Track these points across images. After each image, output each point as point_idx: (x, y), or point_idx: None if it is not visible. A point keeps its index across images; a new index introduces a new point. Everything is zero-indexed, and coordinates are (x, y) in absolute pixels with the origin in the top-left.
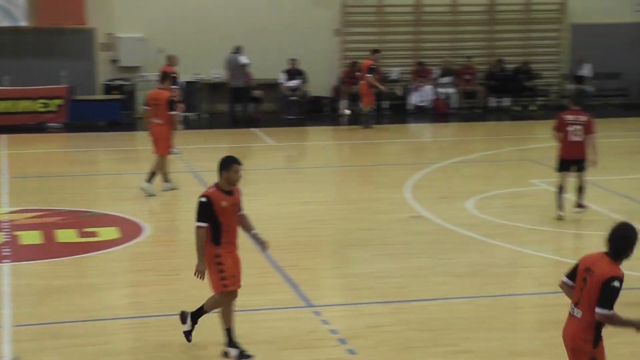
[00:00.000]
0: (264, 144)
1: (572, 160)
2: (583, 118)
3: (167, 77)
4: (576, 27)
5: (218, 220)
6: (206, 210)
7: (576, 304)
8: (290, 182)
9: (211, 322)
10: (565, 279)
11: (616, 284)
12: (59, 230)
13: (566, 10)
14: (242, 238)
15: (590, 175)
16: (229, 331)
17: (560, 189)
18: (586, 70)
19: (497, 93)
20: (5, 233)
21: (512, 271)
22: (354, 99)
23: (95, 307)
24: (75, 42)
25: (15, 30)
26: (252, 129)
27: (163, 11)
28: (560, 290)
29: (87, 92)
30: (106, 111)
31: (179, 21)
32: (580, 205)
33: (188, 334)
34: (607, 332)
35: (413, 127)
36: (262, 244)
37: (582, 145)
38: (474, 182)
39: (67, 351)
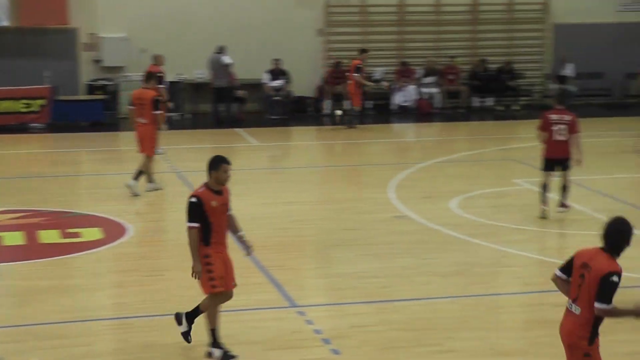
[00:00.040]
0: (247, 144)
1: (556, 160)
2: (567, 117)
3: (152, 76)
4: (559, 27)
5: (208, 221)
6: (197, 210)
7: (574, 300)
8: (274, 182)
9: (201, 321)
10: (559, 273)
11: (615, 278)
12: (41, 231)
13: (549, 10)
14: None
15: (573, 175)
16: (213, 332)
17: (544, 187)
18: (569, 70)
19: (480, 93)
20: None
21: (496, 271)
22: (337, 98)
23: (78, 308)
24: (57, 42)
25: None
26: (236, 129)
27: (146, 11)
28: (544, 289)
29: (69, 93)
30: (89, 111)
31: (162, 21)
32: (563, 205)
33: (186, 335)
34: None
35: (397, 127)
36: (247, 247)
37: (566, 145)
38: (457, 182)
39: (50, 352)
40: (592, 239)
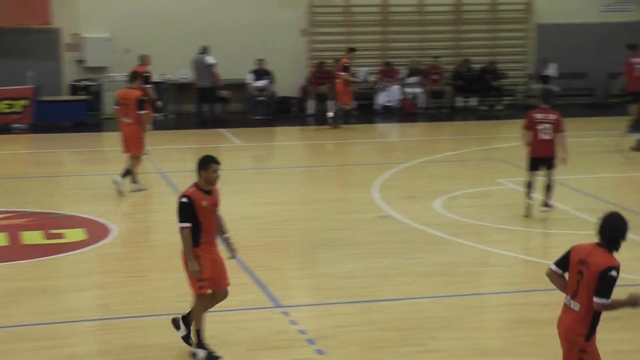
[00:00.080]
0: (231, 145)
1: (542, 159)
2: (552, 116)
3: (137, 76)
4: (542, 27)
5: (198, 220)
6: (188, 210)
7: (573, 297)
8: (258, 182)
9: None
10: (554, 268)
11: (614, 273)
12: (24, 232)
13: (532, 11)
14: None
15: (557, 175)
16: (198, 332)
17: (529, 185)
18: (551, 70)
19: (464, 93)
20: None
21: (480, 270)
22: (321, 99)
23: (61, 309)
24: (40, 43)
25: None
26: (220, 130)
27: (129, 11)
28: (527, 289)
29: (52, 93)
30: (72, 112)
31: (145, 21)
32: (546, 204)
33: (187, 338)
34: None
35: (380, 127)
36: (231, 250)
37: (551, 144)
38: (441, 182)
39: (32, 354)
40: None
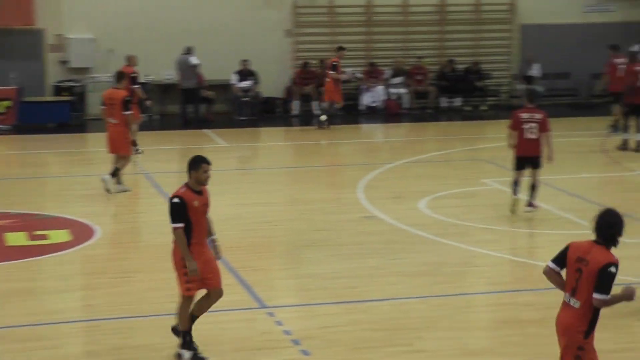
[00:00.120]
0: (216, 145)
1: (528, 158)
2: (538, 116)
3: (123, 76)
4: (525, 27)
5: (189, 221)
6: (180, 210)
7: (572, 294)
8: (242, 183)
9: (170, 323)
10: (552, 265)
11: (613, 269)
12: (8, 234)
13: (516, 11)
14: None
15: (542, 175)
16: (184, 333)
17: (516, 183)
18: (535, 71)
19: (448, 93)
20: None
21: (465, 270)
22: (306, 99)
23: (46, 310)
24: (24, 43)
25: None
26: (204, 130)
27: (113, 12)
28: (513, 289)
29: (36, 94)
30: (56, 113)
31: (129, 22)
32: (531, 205)
33: (190, 344)
34: None
35: (365, 127)
36: (216, 252)
37: (537, 143)
38: (426, 182)
39: (17, 356)
40: (560, 238)
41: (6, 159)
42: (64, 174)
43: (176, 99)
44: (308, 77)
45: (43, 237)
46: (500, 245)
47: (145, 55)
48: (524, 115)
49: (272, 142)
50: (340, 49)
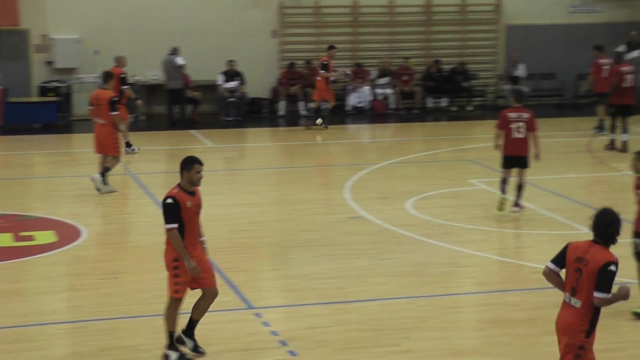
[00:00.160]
0: (202, 146)
1: (515, 157)
2: (526, 115)
3: (110, 76)
4: (511, 28)
5: (182, 222)
6: (174, 211)
7: (573, 294)
8: (229, 183)
9: (157, 324)
10: (552, 266)
11: (613, 268)
12: None
13: (501, 11)
14: None
15: (528, 175)
16: (171, 334)
17: (504, 181)
18: (520, 71)
19: (434, 94)
20: None
21: (452, 271)
22: (292, 100)
23: (32, 311)
24: (8, 44)
25: None
26: (190, 131)
27: (98, 12)
28: (500, 289)
29: (21, 94)
30: (42, 113)
31: (114, 22)
32: (517, 205)
33: (196, 349)
34: (555, 329)
35: (352, 128)
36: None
37: (525, 142)
38: (412, 183)
39: (3, 357)
40: (547, 238)
41: None
42: (50, 175)
43: (162, 100)
44: (294, 78)
45: (29, 238)
46: (488, 246)
47: (131, 55)
48: (512, 115)
49: (259, 142)
50: (331, 47)
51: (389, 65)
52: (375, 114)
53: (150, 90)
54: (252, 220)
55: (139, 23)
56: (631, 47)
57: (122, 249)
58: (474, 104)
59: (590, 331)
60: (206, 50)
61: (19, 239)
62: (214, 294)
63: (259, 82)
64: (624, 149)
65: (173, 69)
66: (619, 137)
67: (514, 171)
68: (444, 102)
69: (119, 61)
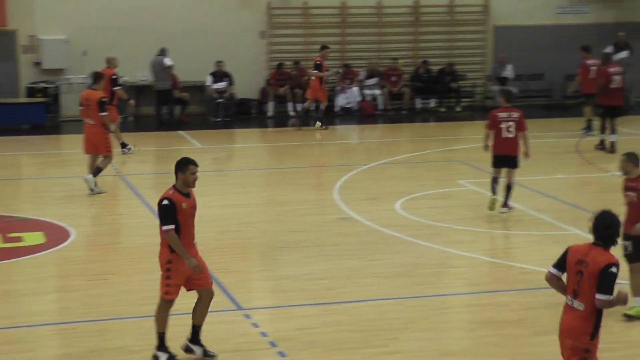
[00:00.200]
0: (191, 147)
1: (505, 157)
2: (515, 115)
3: (99, 77)
4: (499, 28)
5: (177, 223)
6: (170, 212)
7: (575, 297)
8: (218, 184)
9: (147, 326)
10: (554, 271)
11: (613, 269)
12: None
13: (489, 12)
14: None
15: (517, 176)
16: (161, 335)
17: (495, 180)
18: (508, 72)
19: (423, 94)
20: None
21: (441, 271)
22: (281, 100)
23: (21, 313)
24: None
25: None
26: (179, 132)
27: (86, 13)
28: (489, 290)
29: (9, 95)
30: (30, 114)
31: (103, 23)
32: (506, 205)
33: (206, 353)
34: (544, 329)
35: (340, 128)
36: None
37: (515, 142)
38: (401, 183)
39: None
40: (536, 239)
41: None
42: (39, 176)
43: (151, 101)
44: (283, 79)
45: (17, 239)
46: (477, 246)
47: (119, 56)
48: (502, 115)
49: (247, 143)
50: (324, 47)
51: (378, 66)
52: (363, 114)
53: (138, 91)
54: (242, 221)
55: (127, 24)
56: (619, 48)
57: (112, 250)
58: (462, 104)
59: (594, 333)
60: (194, 51)
61: (7, 240)
62: (210, 294)
63: (248, 83)
64: (612, 149)
65: (161, 70)
66: (608, 138)
67: (503, 171)
68: (432, 102)
69: (110, 62)
